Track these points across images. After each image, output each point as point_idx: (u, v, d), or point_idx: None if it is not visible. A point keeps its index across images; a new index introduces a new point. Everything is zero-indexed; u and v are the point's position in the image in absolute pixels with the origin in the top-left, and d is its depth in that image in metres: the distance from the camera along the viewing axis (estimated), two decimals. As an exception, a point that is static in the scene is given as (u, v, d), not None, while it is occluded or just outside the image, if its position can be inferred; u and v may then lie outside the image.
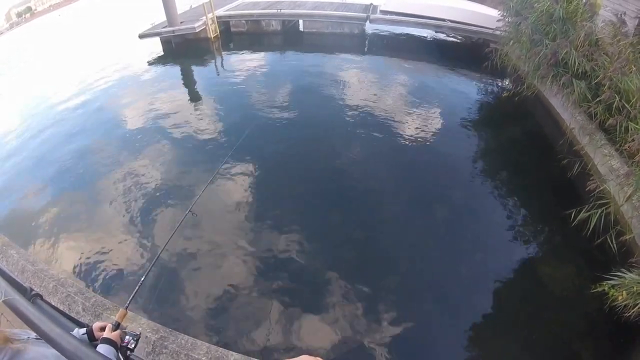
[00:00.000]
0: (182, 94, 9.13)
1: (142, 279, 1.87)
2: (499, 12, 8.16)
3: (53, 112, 8.77)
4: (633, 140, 3.92)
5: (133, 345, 1.45)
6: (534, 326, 3.60)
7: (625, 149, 4.23)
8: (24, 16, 37.34)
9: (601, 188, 4.05)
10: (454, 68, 9.51)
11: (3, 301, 0.97)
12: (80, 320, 2.45)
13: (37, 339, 1.03)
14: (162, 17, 11.99)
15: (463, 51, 10.67)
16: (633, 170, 3.82)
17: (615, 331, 3.40)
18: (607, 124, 4.61)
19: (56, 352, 0.89)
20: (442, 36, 11.38)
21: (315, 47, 11.47)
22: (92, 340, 1.39)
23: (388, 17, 11.28)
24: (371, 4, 12.10)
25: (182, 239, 4.47)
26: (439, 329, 3.69)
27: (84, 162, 6.50)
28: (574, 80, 5.35)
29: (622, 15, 5.59)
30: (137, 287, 1.79)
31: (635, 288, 3.04)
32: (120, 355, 1.39)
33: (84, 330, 1.40)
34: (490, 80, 8.65)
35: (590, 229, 3.87)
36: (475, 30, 9.94)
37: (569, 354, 3.46)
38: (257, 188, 5.50)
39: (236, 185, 5.53)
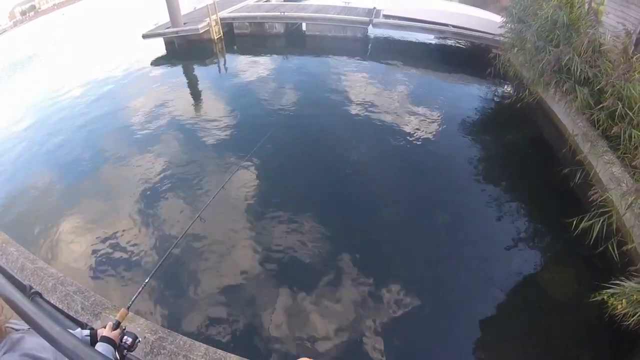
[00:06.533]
0: (185, 95, 9.14)
1: (147, 280, 1.85)
2: (502, 19, 8.18)
3: (56, 111, 8.79)
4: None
5: (130, 343, 1.44)
6: (534, 333, 3.58)
7: (634, 166, 4.14)
8: (27, 14, 37.45)
9: (603, 197, 4.03)
10: (456, 73, 9.53)
11: (2, 298, 0.97)
12: (79, 319, 2.44)
13: None
14: (165, 18, 12.04)
15: (466, 56, 10.70)
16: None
17: (614, 339, 3.38)
18: (613, 131, 4.59)
19: None
20: (445, 41, 11.42)
21: (318, 50, 11.49)
22: (94, 344, 1.38)
23: (391, 21, 11.32)
24: (374, 8, 12.14)
25: (188, 243, 4.45)
26: (439, 333, 3.67)
27: (85, 161, 6.51)
28: (576, 86, 5.34)
29: (624, 24, 5.60)
30: (140, 288, 1.78)
31: (634, 297, 3.03)
32: (117, 354, 1.38)
33: (87, 332, 1.40)
34: (493, 86, 8.66)
35: (593, 237, 3.85)
36: (478, 36, 9.98)
37: (569, 361, 3.44)
38: (264, 197, 5.40)
39: (244, 192, 5.44)
